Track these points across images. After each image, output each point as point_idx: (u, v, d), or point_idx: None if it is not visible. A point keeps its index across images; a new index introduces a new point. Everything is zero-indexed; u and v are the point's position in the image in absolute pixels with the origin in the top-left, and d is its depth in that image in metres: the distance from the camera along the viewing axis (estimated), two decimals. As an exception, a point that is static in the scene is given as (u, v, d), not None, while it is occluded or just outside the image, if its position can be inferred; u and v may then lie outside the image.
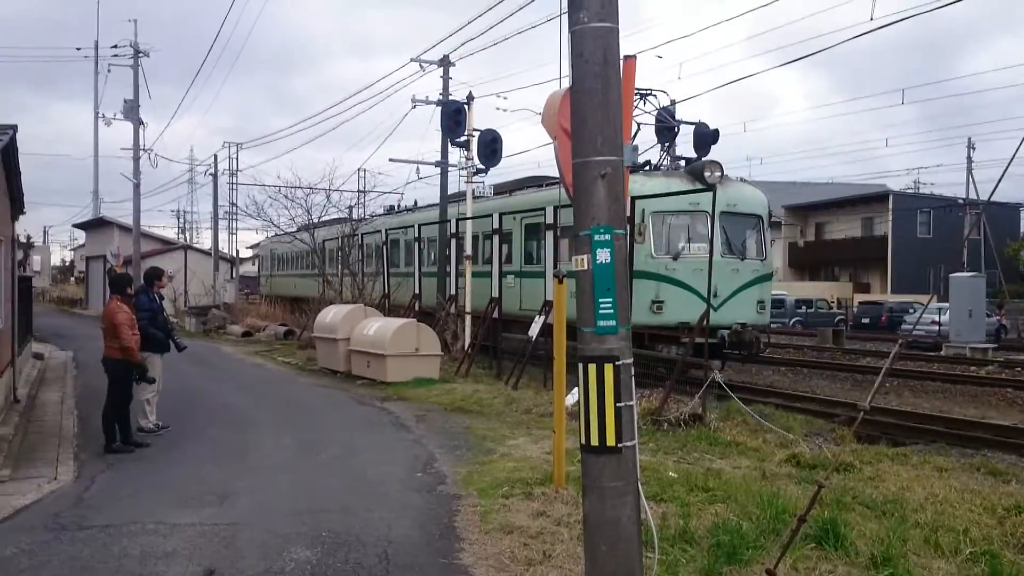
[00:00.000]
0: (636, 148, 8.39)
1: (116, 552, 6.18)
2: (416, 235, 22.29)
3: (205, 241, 61.78)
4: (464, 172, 21.28)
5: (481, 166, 20.50)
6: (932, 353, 26.85)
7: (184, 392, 14.26)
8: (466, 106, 20.72)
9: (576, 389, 4.64)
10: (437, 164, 24.17)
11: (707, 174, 16.13)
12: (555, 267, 14.09)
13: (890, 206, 52.00)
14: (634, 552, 4.50)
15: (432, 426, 11.64)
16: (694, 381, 13.37)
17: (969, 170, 50.48)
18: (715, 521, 6.55)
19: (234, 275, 45.39)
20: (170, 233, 67.25)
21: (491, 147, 19.65)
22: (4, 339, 12.84)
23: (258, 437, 10.96)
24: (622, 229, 4.51)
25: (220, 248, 44.49)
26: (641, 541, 4.60)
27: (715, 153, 19.00)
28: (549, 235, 16.07)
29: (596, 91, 4.49)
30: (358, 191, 40.57)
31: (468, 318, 19.49)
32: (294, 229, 32.07)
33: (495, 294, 17.65)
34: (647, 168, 17.95)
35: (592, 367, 4.45)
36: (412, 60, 24.46)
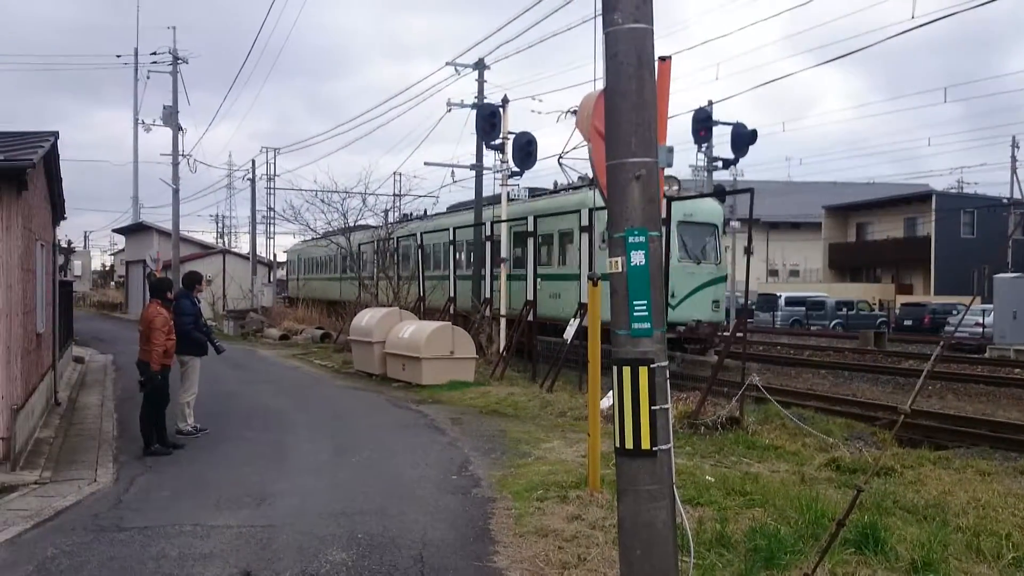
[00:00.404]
0: (671, 149, 8.30)
1: (154, 553, 6.24)
2: (451, 238, 22.35)
3: (243, 245, 62.45)
4: (499, 175, 21.30)
5: (516, 169, 20.51)
6: (976, 355, 26.40)
7: (222, 395, 14.40)
8: (501, 109, 20.75)
9: (611, 392, 4.61)
10: (472, 167, 24.22)
11: (665, 188, 17.84)
12: (590, 269, 14.08)
13: (933, 206, 51.27)
14: (669, 556, 4.46)
15: (467, 429, 11.64)
16: (731, 384, 13.26)
17: (1013, 169, 49.68)
18: (752, 525, 6.48)
19: (271, 279, 45.81)
20: (209, 237, 68.14)
21: (526, 150, 19.65)
22: (45, 343, 13.04)
23: (294, 439, 11.03)
24: (657, 231, 4.48)
25: (258, 252, 44.93)
26: (677, 545, 4.56)
27: (753, 153, 20.76)
28: (584, 237, 16.06)
29: (630, 92, 4.47)
30: (394, 195, 40.81)
31: (503, 321, 19.49)
32: (330, 232, 32.28)
33: (530, 297, 17.63)
34: None
35: (626, 370, 4.42)
36: (447, 64, 24.58)
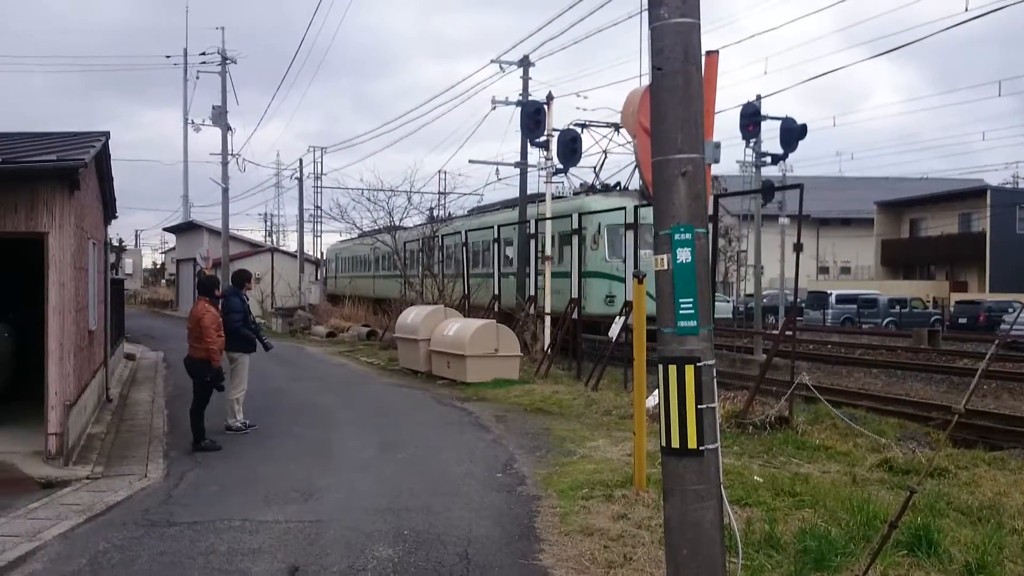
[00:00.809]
0: (718, 145, 8.22)
1: (203, 548, 6.32)
2: (495, 236, 22.36)
3: (291, 243, 63.02)
4: (543, 172, 21.25)
5: (560, 166, 20.46)
6: (1032, 354, 25.78)
7: (270, 391, 14.58)
8: (545, 106, 20.70)
9: (657, 391, 4.56)
10: (516, 165, 24.21)
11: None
12: (635, 267, 14.00)
13: (988, 202, 50.11)
14: (717, 556, 4.40)
15: (511, 427, 11.64)
16: (780, 383, 13.10)
17: (1071, 163, 48.32)
18: (802, 526, 6.37)
19: (319, 276, 46.27)
20: (257, 236, 68.80)
21: (570, 147, 19.61)
22: (97, 340, 13.30)
23: (341, 436, 11.12)
24: (703, 228, 4.42)
25: (305, 250, 45.38)
26: (724, 545, 4.50)
27: (803, 148, 20.56)
28: (629, 235, 15.98)
29: (676, 88, 4.41)
30: (438, 193, 40.93)
31: (547, 319, 19.45)
32: (375, 231, 32.50)
33: (574, 295, 17.58)
34: (617, 188, 21.90)
35: (672, 368, 4.37)
36: (492, 61, 24.60)
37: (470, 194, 40.53)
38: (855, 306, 43.59)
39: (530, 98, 22.96)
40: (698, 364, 4.34)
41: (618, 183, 22.30)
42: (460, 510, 7.32)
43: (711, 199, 10.67)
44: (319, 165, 47.84)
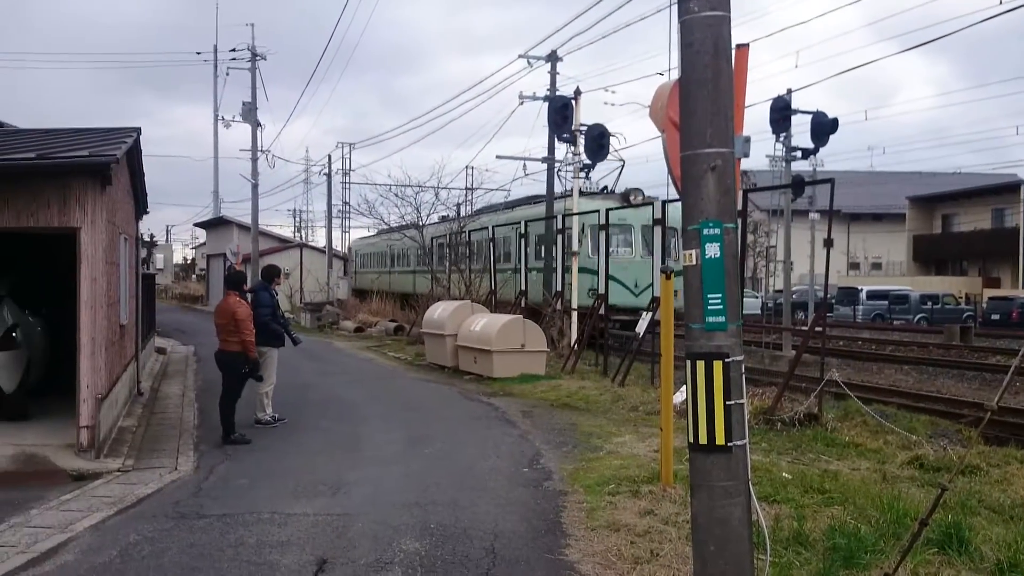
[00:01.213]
0: (748, 139, 8.13)
1: (232, 540, 6.38)
2: (522, 231, 22.34)
3: (320, 239, 63.37)
4: (571, 168, 21.20)
5: (588, 161, 20.39)
6: (1067, 351, 25.34)
7: (298, 386, 14.66)
8: (573, 101, 20.62)
9: (684, 387, 4.53)
10: (544, 160, 24.14)
11: (631, 198, 22.60)
12: (663, 262, 13.94)
13: (1021, 196, 49.40)
14: (744, 553, 4.38)
15: (538, 422, 11.63)
16: (809, 380, 12.99)
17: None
18: (831, 524, 6.32)
19: (347, 272, 46.47)
20: (287, 231, 69.28)
21: (598, 142, 19.53)
22: (128, 334, 13.44)
23: (368, 430, 11.17)
24: (732, 223, 4.38)
25: (334, 246, 45.60)
26: (752, 542, 4.47)
27: (834, 143, 20.85)
28: (657, 231, 15.92)
29: (706, 81, 4.38)
30: (466, 188, 40.93)
31: (574, 314, 19.43)
32: (400, 226, 32.59)
33: (601, 290, 17.53)
34: (604, 191, 24.17)
35: (700, 364, 4.34)
36: (520, 56, 24.57)
37: (497, 189, 40.39)
38: (886, 302, 43.13)
39: (558, 93, 22.90)
40: (726, 360, 4.31)
41: (605, 187, 24.97)
42: (486, 505, 7.33)
43: (740, 194, 10.62)
44: (347, 161, 47.95)
